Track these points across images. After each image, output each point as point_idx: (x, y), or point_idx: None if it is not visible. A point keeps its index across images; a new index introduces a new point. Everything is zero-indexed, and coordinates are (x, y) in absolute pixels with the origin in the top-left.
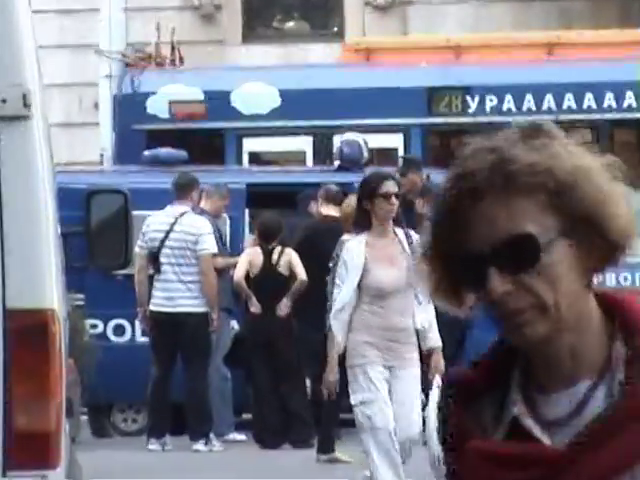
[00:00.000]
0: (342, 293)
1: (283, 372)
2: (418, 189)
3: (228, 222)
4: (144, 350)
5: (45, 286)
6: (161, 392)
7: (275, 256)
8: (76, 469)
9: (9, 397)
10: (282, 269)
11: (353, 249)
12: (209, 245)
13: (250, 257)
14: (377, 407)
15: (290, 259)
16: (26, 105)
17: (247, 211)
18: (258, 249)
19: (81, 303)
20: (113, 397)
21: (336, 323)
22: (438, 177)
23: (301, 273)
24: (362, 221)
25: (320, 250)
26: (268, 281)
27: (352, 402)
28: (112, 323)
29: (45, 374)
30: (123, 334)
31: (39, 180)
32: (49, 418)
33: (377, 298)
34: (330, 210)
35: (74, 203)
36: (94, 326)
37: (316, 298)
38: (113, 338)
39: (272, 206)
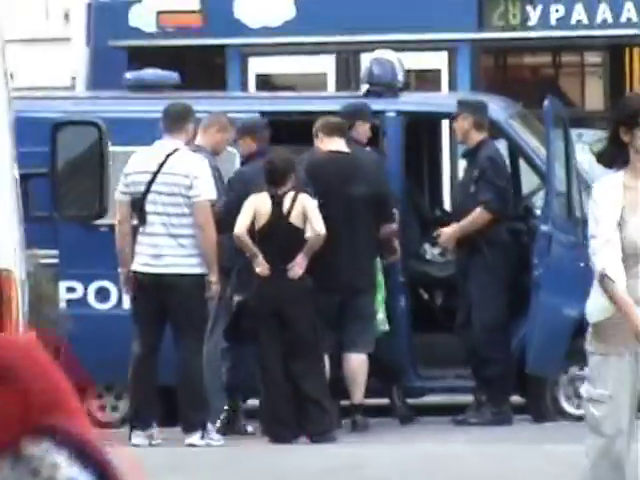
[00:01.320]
0: (601, 228)
1: (297, 348)
2: (471, 138)
3: (238, 161)
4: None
5: None
6: (146, 373)
7: (286, 204)
8: None
9: None
10: (295, 220)
11: (606, 191)
12: (206, 190)
13: (255, 205)
14: (609, 410)
15: (305, 207)
16: None
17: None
18: (265, 195)
19: (53, 261)
20: (92, 378)
21: (607, 261)
22: (490, 106)
23: (318, 225)
24: (617, 156)
25: (334, 194)
26: (278, 235)
27: (582, 392)
28: (94, 286)
29: None
30: (107, 299)
31: None
32: None
33: (633, 259)
34: (335, 144)
35: (38, 137)
36: (71, 289)
37: (332, 253)
38: (95, 304)
39: (291, 141)
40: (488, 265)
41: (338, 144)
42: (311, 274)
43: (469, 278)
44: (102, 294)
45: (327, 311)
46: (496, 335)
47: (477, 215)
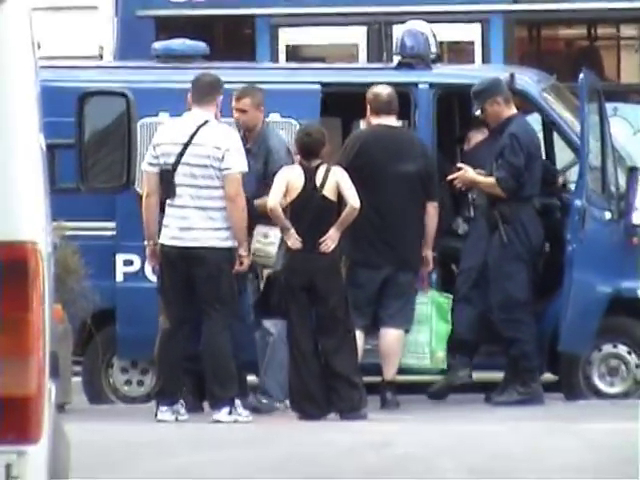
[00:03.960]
0: None
1: (328, 323)
2: (502, 116)
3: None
4: None
5: (22, 213)
6: (173, 348)
7: (319, 176)
8: (62, 444)
9: None
10: (328, 193)
11: None
12: (237, 162)
13: (287, 178)
14: None
15: (338, 180)
16: None
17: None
18: (298, 168)
19: (110, 234)
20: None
21: None
22: (523, 79)
23: (353, 198)
24: None
25: (384, 169)
26: (310, 208)
27: None
28: None
29: (22, 323)
30: None
31: (15, 77)
32: (27, 379)
33: None
34: (384, 120)
35: (64, 107)
36: (128, 262)
37: (368, 228)
38: (153, 278)
39: (346, 113)
40: (503, 243)
41: (387, 120)
42: (357, 249)
43: (487, 256)
44: None
45: (369, 287)
46: (514, 314)
47: (492, 183)
